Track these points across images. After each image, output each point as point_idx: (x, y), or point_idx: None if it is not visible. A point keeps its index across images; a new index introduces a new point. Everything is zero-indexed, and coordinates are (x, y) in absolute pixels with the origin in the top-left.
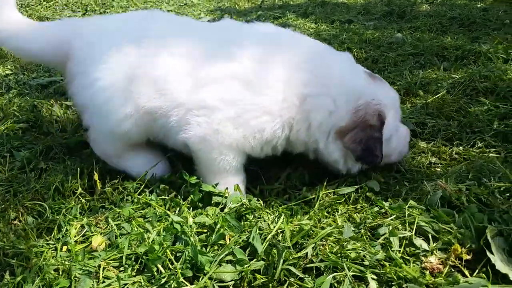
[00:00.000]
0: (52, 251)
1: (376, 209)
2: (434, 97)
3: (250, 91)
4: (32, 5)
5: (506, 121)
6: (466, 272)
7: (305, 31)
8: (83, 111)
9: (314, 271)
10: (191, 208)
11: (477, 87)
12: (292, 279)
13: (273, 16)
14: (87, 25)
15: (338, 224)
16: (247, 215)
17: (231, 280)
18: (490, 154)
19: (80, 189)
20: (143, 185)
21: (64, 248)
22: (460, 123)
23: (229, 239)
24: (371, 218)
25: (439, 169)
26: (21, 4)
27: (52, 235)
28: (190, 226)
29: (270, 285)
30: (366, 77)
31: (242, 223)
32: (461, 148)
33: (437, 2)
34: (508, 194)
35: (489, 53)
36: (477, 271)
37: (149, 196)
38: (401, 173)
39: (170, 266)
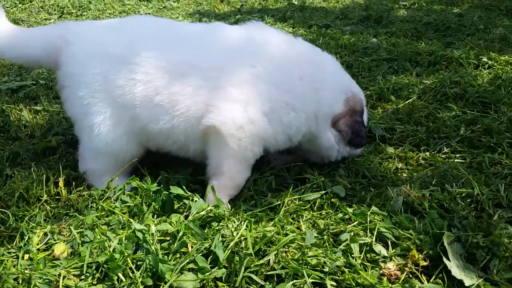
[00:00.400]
0: (14, 260)
1: (340, 215)
2: (405, 103)
3: (277, 90)
4: (7, 7)
5: (473, 126)
6: (424, 278)
7: None
8: (72, 121)
9: (276, 278)
10: (155, 216)
11: (447, 93)
12: (253, 287)
13: (251, 20)
14: (78, 33)
15: (301, 230)
16: (212, 223)
17: None
18: (456, 160)
19: (45, 196)
20: (108, 192)
21: (26, 256)
22: (428, 128)
23: (192, 246)
24: (334, 224)
25: (405, 175)
26: None
27: (14, 243)
28: (152, 234)
29: None
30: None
31: (206, 230)
32: (427, 153)
33: (414, 7)
34: (469, 200)
35: (460, 59)
36: (433, 277)
37: (114, 203)
38: (367, 178)
39: (131, 275)
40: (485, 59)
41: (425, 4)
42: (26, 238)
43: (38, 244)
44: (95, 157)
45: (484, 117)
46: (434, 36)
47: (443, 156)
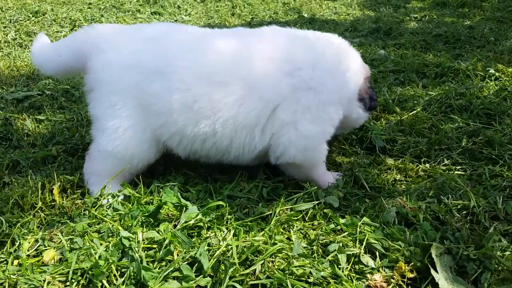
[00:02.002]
0: (3, 265)
1: (332, 226)
2: (409, 114)
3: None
4: (21, 20)
5: (475, 138)
6: None
7: None
8: (93, 120)
9: None
10: (144, 224)
11: (452, 105)
12: None
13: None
14: (111, 42)
15: (291, 240)
16: (201, 231)
17: None
18: (456, 172)
19: (40, 203)
20: (101, 200)
21: (16, 262)
22: (429, 140)
23: (177, 254)
24: (324, 235)
25: (403, 187)
26: (10, 19)
27: (5, 249)
28: (139, 241)
29: None
30: None
31: (194, 239)
32: (427, 165)
33: (425, 20)
34: (465, 212)
35: (467, 71)
36: None
37: (106, 211)
38: (365, 190)
39: (115, 282)
40: (492, 71)
41: (436, 16)
42: (17, 244)
43: (28, 250)
44: (106, 158)
45: (487, 129)
46: (444, 48)
47: (443, 168)
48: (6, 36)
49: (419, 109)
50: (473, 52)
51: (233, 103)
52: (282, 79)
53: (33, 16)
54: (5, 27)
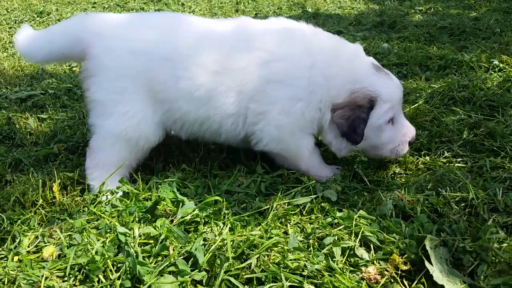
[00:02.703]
0: (3, 261)
1: (329, 219)
2: (411, 107)
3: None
4: (26, 20)
5: (476, 130)
6: (405, 283)
7: None
8: (93, 107)
9: (256, 281)
10: (141, 220)
11: (454, 97)
12: None
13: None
14: (112, 28)
15: (288, 234)
16: (198, 226)
17: None
18: (456, 164)
19: (41, 200)
20: (100, 197)
21: (16, 258)
22: (430, 133)
23: (173, 249)
24: (321, 228)
25: (403, 180)
26: (15, 20)
27: (5, 245)
28: (135, 237)
29: None
30: (370, 68)
31: (191, 234)
32: (427, 158)
33: (430, 12)
34: (463, 204)
35: (471, 62)
36: (415, 282)
37: (105, 207)
38: (364, 183)
39: (111, 277)
40: (496, 62)
41: (441, 8)
42: (18, 240)
43: (28, 247)
44: (113, 143)
45: (489, 121)
46: (448, 40)
47: (443, 160)
48: (11, 36)
49: (421, 102)
50: (478, 43)
51: (223, 93)
52: (256, 71)
53: (37, 17)
54: (10, 27)
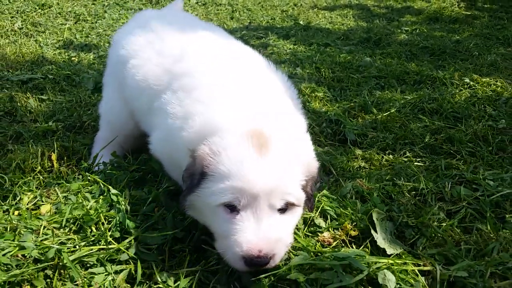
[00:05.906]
0: (5, 214)
1: None
2: (383, 114)
3: None
4: (28, 11)
5: (437, 135)
6: (354, 247)
7: (283, 51)
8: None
9: None
10: (131, 188)
11: (424, 108)
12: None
13: (256, 36)
14: None
15: None
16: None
17: (155, 244)
18: (416, 163)
19: (39, 167)
20: (94, 166)
21: (16, 212)
22: (396, 135)
23: (158, 211)
24: None
25: (366, 172)
26: (17, 10)
27: (7, 202)
28: (126, 197)
29: (187, 249)
30: None
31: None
32: (391, 156)
33: (415, 33)
34: (414, 192)
35: (444, 79)
36: (362, 246)
37: (98, 175)
38: (331, 175)
39: (102, 228)
40: (467, 80)
41: (426, 30)
42: (18, 198)
43: (27, 204)
44: (101, 123)
45: (450, 129)
46: (428, 59)
47: (405, 159)
48: (13, 25)
49: (393, 110)
50: (455, 64)
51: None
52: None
53: (39, 8)
54: (12, 17)
